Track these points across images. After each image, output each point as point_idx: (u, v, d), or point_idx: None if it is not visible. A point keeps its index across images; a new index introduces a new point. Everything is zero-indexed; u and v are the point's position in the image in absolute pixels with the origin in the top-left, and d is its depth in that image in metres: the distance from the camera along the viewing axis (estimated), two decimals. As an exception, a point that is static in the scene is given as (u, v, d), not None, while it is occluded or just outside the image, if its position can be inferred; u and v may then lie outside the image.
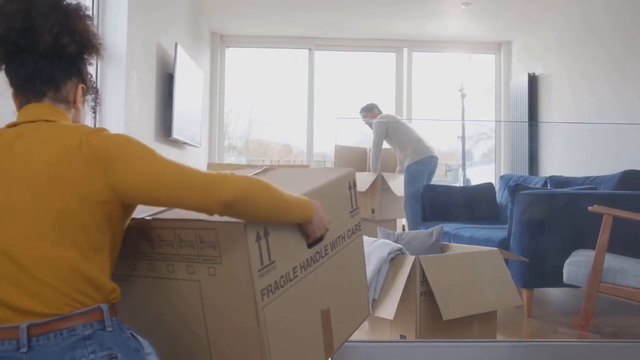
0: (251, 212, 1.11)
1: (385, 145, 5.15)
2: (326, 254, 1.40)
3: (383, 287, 2.25)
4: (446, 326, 2.32)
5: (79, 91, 1.23)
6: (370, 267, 2.26)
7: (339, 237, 1.46)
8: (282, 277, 1.22)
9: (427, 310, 2.26)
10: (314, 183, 1.37)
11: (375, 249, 2.33)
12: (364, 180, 5.32)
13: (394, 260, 2.29)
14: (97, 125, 3.01)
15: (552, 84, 5.63)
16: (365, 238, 2.51)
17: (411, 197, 4.86)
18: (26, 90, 1.18)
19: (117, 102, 3.03)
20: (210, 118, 6.19)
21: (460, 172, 7.56)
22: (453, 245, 2.88)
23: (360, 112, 5.38)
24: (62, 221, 1.04)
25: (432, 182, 5.10)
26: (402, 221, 5.66)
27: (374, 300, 2.24)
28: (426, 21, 5.94)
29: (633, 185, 3.51)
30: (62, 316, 1.01)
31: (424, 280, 2.23)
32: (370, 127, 5.20)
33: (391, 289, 2.22)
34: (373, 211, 5.30)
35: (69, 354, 1.00)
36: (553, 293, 3.95)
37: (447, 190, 4.95)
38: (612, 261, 2.54)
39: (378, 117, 5.24)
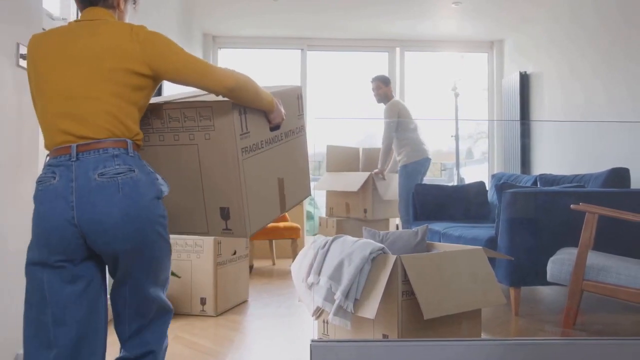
0: (241, 96, 1.66)
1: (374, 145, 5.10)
2: (281, 140, 1.97)
3: (365, 286, 2.25)
4: (429, 325, 2.33)
5: None
6: (352, 267, 2.27)
7: (289, 131, 2.02)
8: (253, 144, 1.78)
9: (409, 310, 2.26)
10: (274, 89, 1.91)
11: (357, 248, 2.33)
12: (355, 181, 5.33)
13: (375, 260, 2.29)
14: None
15: (543, 82, 5.64)
16: (349, 237, 2.52)
17: (407, 197, 4.80)
18: (84, 0, 1.64)
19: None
20: (203, 119, 6.19)
21: (455, 171, 7.57)
22: (439, 244, 2.88)
23: (373, 81, 5.05)
24: (110, 79, 1.53)
25: (424, 182, 5.10)
26: (396, 221, 5.66)
27: (355, 299, 2.25)
28: (418, 21, 5.95)
29: (620, 183, 3.52)
30: (100, 140, 1.51)
31: (406, 280, 2.24)
32: (378, 100, 5.01)
33: (373, 288, 2.22)
34: (365, 211, 5.30)
35: (102, 164, 1.50)
36: (543, 291, 3.95)
37: (439, 189, 4.94)
38: (595, 259, 2.54)
39: (393, 100, 5.05)
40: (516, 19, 5.86)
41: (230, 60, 6.64)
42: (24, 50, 2.05)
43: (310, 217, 7.99)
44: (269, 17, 5.79)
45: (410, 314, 2.26)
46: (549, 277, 2.62)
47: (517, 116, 5.94)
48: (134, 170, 1.53)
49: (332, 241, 2.49)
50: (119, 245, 1.51)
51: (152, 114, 1.75)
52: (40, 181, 1.54)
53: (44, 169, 1.55)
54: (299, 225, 5.08)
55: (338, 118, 5.17)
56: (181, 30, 4.93)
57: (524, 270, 3.12)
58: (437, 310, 2.23)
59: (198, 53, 5.88)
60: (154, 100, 1.75)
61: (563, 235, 3.03)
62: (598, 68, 4.63)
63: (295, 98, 2.09)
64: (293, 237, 5.00)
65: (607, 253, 2.82)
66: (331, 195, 5.69)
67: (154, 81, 1.61)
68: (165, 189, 1.63)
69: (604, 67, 4.56)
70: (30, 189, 2.07)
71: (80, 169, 1.49)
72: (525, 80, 5.92)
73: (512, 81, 6.11)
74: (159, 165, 1.73)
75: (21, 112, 2.07)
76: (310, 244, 2.55)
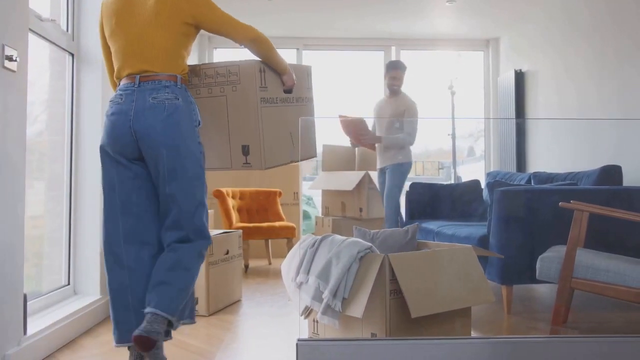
0: (260, 48, 2.19)
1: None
2: (292, 102, 2.42)
3: (353, 285, 2.25)
4: (418, 324, 2.33)
5: None
6: (340, 266, 2.27)
7: (300, 97, 2.48)
8: (270, 97, 2.26)
9: (398, 309, 2.26)
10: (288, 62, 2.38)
11: (345, 247, 2.33)
12: (351, 180, 5.33)
13: (363, 259, 2.29)
14: (74, 124, 3.02)
15: (538, 80, 5.63)
16: (337, 236, 2.52)
17: (398, 196, 4.70)
18: None
19: (94, 105, 3.04)
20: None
21: (451, 169, 7.56)
22: (430, 243, 2.88)
23: (398, 69, 4.57)
24: (166, 25, 2.08)
25: (420, 180, 5.09)
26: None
27: (344, 298, 2.25)
28: (414, 19, 5.94)
29: (612, 180, 3.51)
30: (156, 73, 2.07)
31: (394, 279, 2.24)
32: (395, 91, 4.59)
33: (360, 287, 2.22)
34: (361, 210, 5.31)
35: (155, 92, 2.05)
36: (537, 289, 3.95)
37: (434, 188, 4.93)
38: (584, 256, 2.54)
39: (408, 95, 4.66)
40: (511, 18, 5.86)
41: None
42: (9, 51, 2.05)
43: (307, 216, 7.99)
44: (264, 17, 5.79)
45: (399, 313, 2.26)
46: (538, 275, 2.62)
47: (513, 114, 5.93)
48: (178, 99, 2.07)
49: (321, 240, 2.49)
50: (158, 150, 2.03)
51: (191, 73, 2.29)
52: (111, 100, 2.11)
53: (116, 92, 2.13)
54: (294, 225, 5.09)
55: (333, 117, 5.08)
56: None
57: (515, 268, 3.12)
58: (425, 308, 2.23)
59: (193, 53, 5.88)
60: (192, 63, 2.26)
61: (554, 233, 3.03)
62: (590, 66, 4.63)
63: (306, 74, 2.54)
64: (289, 237, 5.01)
65: (597, 251, 2.82)
66: (327, 194, 5.70)
67: (196, 29, 2.17)
68: (200, 119, 2.17)
69: (595, 64, 4.56)
70: (18, 187, 2.08)
71: (140, 93, 2.05)
72: (520, 78, 5.91)
73: (508, 79, 6.10)
74: None
75: (7, 111, 2.07)
76: (299, 243, 2.55)
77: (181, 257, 2.05)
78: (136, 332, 1.89)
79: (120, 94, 2.08)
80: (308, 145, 2.53)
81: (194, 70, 2.29)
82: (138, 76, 2.06)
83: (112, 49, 2.16)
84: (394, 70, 4.57)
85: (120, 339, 2.07)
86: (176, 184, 2.05)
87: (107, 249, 2.11)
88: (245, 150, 2.24)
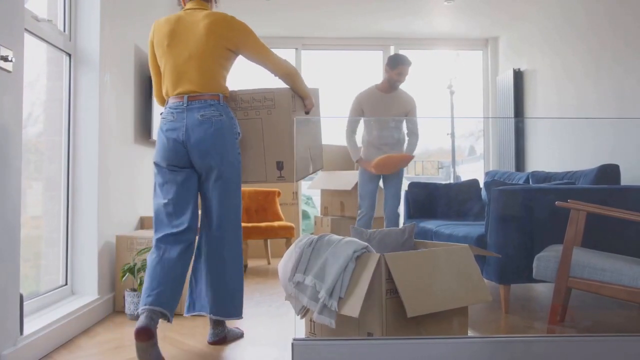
0: (291, 80, 2.58)
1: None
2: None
3: (349, 285, 2.25)
4: (415, 324, 2.33)
5: None
6: (336, 265, 2.27)
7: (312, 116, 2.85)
8: (297, 118, 2.64)
9: (394, 308, 2.26)
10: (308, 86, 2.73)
11: (341, 247, 2.33)
12: (350, 179, 5.33)
13: (360, 258, 2.29)
14: (71, 124, 3.02)
15: (537, 79, 5.63)
16: (334, 236, 2.52)
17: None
18: None
19: (91, 105, 3.04)
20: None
21: (451, 169, 7.55)
22: (427, 242, 2.88)
23: (400, 64, 4.38)
24: (212, 51, 2.43)
25: (420, 180, 5.08)
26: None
27: (340, 298, 2.25)
28: (412, 19, 5.94)
29: (610, 179, 3.51)
30: (202, 94, 2.41)
31: (390, 278, 2.23)
32: (394, 84, 4.43)
33: (356, 287, 2.22)
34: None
35: (202, 109, 2.39)
36: (536, 289, 3.95)
37: (432, 187, 4.93)
38: (581, 255, 2.54)
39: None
40: (509, 17, 5.86)
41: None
42: (5, 52, 2.05)
43: (306, 216, 7.99)
44: (263, 17, 5.79)
45: (396, 313, 2.26)
46: (535, 275, 2.62)
47: (511, 113, 5.93)
48: (222, 115, 2.43)
49: (318, 240, 2.49)
50: (207, 160, 2.41)
51: (231, 97, 2.61)
52: (164, 117, 2.45)
53: (166, 109, 2.47)
54: (293, 225, 5.09)
55: (331, 117, 5.06)
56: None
57: (513, 267, 3.12)
58: (421, 308, 2.23)
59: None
60: (229, 89, 2.58)
61: (552, 233, 3.03)
62: (588, 66, 4.63)
63: (317, 95, 2.83)
64: (287, 237, 5.01)
65: (595, 250, 2.82)
66: (326, 194, 5.70)
67: (236, 55, 2.53)
68: (240, 130, 2.55)
69: (593, 65, 4.56)
70: (14, 188, 2.09)
71: (189, 111, 2.41)
72: (519, 77, 5.91)
73: (506, 78, 6.10)
74: None
75: (3, 111, 2.07)
76: (296, 243, 2.55)
77: (224, 252, 2.53)
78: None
79: (172, 112, 2.44)
80: (319, 159, 2.89)
81: (231, 95, 2.61)
82: (187, 96, 2.41)
83: (163, 68, 2.49)
84: (402, 66, 4.39)
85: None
86: (220, 188, 2.46)
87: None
88: (280, 166, 2.63)
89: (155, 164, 2.49)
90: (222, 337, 2.59)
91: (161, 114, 2.51)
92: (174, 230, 2.44)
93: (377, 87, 4.53)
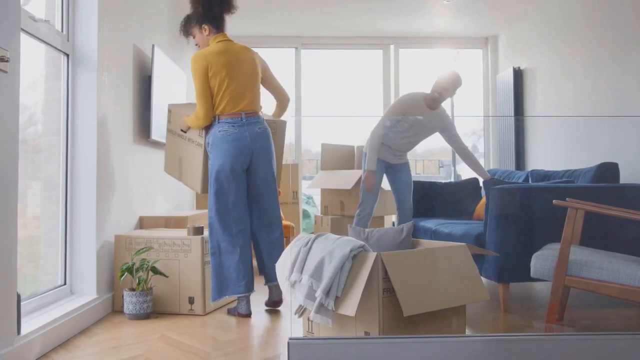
0: (286, 109, 3.39)
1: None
2: None
3: (346, 284, 2.25)
4: (412, 323, 2.33)
5: None
6: (333, 264, 2.27)
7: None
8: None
9: (391, 307, 2.26)
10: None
11: (338, 246, 2.33)
12: (349, 179, 5.33)
13: (356, 257, 2.29)
14: (70, 124, 3.03)
15: (536, 78, 5.62)
16: (331, 235, 2.52)
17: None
18: (219, 28, 3.19)
19: (89, 105, 3.04)
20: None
21: (452, 167, 7.53)
22: (425, 241, 2.88)
23: (459, 85, 4.19)
24: (257, 77, 3.18)
25: (420, 179, 5.07)
26: (392, 218, 5.66)
27: (336, 297, 2.25)
28: (412, 17, 5.94)
29: (609, 178, 3.50)
30: (253, 112, 3.12)
31: (387, 277, 2.23)
32: (443, 101, 4.19)
33: (353, 286, 2.22)
34: (359, 209, 5.29)
35: (258, 124, 3.12)
36: (536, 287, 3.95)
37: (432, 186, 4.93)
38: (579, 254, 2.53)
39: None
40: (509, 15, 5.85)
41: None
42: (0, 52, 2.05)
43: (307, 215, 7.99)
44: (263, 16, 5.79)
45: (393, 311, 2.26)
46: (532, 273, 2.62)
47: (511, 112, 5.92)
48: (267, 128, 3.18)
49: (315, 239, 2.49)
50: (266, 163, 3.14)
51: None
52: (224, 130, 3.03)
53: (221, 124, 3.05)
54: (292, 224, 5.08)
55: (331, 116, 5.03)
56: (171, 30, 4.93)
57: (511, 266, 3.12)
58: (418, 307, 2.23)
59: (189, 53, 5.88)
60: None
61: (550, 231, 3.02)
62: (587, 65, 4.62)
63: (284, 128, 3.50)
64: (286, 236, 5.01)
65: (593, 248, 2.81)
66: (326, 193, 5.69)
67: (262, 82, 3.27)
68: None
69: (592, 64, 4.55)
70: (11, 187, 2.09)
71: (248, 125, 3.07)
72: (518, 76, 5.90)
73: (506, 77, 6.09)
74: None
75: (1, 114, 2.08)
76: (294, 242, 2.55)
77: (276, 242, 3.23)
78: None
79: (232, 125, 3.03)
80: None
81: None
82: (244, 113, 3.06)
83: (224, 91, 3.03)
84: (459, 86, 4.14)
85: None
86: (271, 187, 3.18)
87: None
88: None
89: (218, 172, 3.02)
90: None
91: (206, 129, 3.12)
92: (243, 226, 3.10)
93: (424, 100, 4.17)
